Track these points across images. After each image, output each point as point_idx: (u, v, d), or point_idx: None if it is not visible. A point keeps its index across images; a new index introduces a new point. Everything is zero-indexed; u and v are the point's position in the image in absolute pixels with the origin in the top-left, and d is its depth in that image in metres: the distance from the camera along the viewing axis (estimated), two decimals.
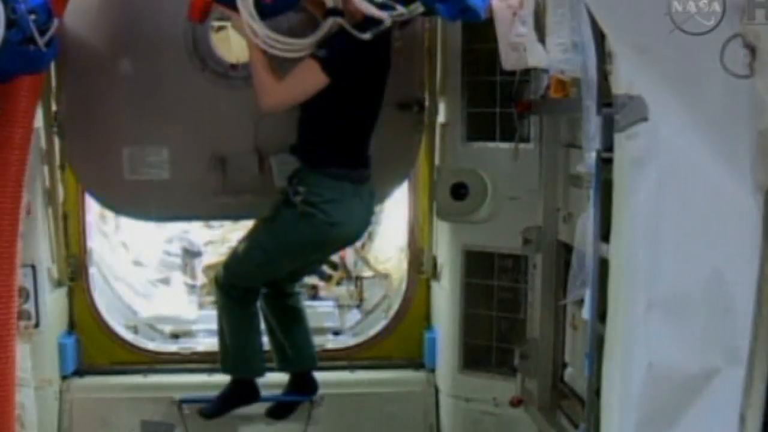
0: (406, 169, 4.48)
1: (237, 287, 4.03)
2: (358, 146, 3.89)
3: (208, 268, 5.59)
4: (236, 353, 4.15)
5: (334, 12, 3.66)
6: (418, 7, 3.47)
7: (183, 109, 4.21)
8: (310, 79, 3.68)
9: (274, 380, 4.40)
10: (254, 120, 4.10)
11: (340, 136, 3.86)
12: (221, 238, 5.83)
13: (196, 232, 5.96)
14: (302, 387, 4.34)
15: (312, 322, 4.89)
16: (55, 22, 3.14)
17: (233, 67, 4.22)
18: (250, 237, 4.05)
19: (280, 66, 3.70)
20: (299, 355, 4.28)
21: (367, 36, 3.56)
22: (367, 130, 3.91)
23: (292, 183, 3.90)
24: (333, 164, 3.82)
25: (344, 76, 3.72)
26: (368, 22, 3.57)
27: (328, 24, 3.68)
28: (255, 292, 4.12)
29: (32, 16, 2.97)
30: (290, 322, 4.27)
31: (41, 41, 3.02)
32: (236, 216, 4.56)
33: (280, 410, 4.38)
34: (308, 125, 3.89)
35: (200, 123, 4.22)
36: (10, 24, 2.82)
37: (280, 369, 4.30)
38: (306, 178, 3.84)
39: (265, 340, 4.28)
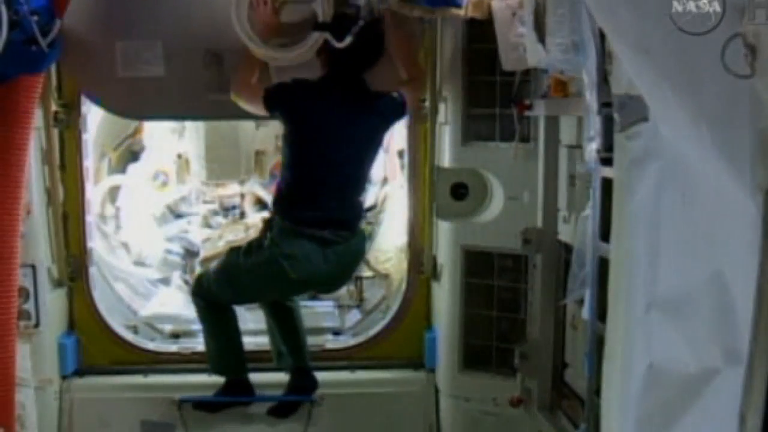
0: None
1: (204, 299, 4.16)
2: (324, 208, 3.88)
3: (204, 261, 5.61)
4: (214, 354, 4.30)
5: (321, 27, 3.70)
6: None
7: (178, 3, 4.07)
8: (255, 101, 3.87)
9: (276, 380, 4.42)
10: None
11: (305, 194, 3.89)
12: (218, 234, 5.87)
13: (196, 231, 5.97)
14: (301, 384, 4.40)
15: (312, 322, 4.93)
16: (57, 23, 3.14)
17: None
18: (225, 259, 4.15)
19: None
20: (289, 352, 4.40)
21: (344, 43, 3.64)
22: (336, 193, 3.91)
23: (267, 223, 4.04)
24: (295, 220, 3.86)
25: (283, 114, 3.87)
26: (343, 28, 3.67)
27: (314, 37, 3.71)
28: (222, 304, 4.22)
29: (35, 18, 2.97)
30: (283, 319, 4.40)
31: (44, 42, 3.02)
32: (230, 115, 4.39)
33: (281, 409, 4.42)
34: (281, 173, 4.00)
35: (196, 17, 4.07)
36: (12, 25, 2.83)
37: (276, 365, 4.41)
38: (274, 225, 3.94)
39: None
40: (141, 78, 4.10)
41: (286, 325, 4.39)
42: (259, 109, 3.92)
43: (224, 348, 4.29)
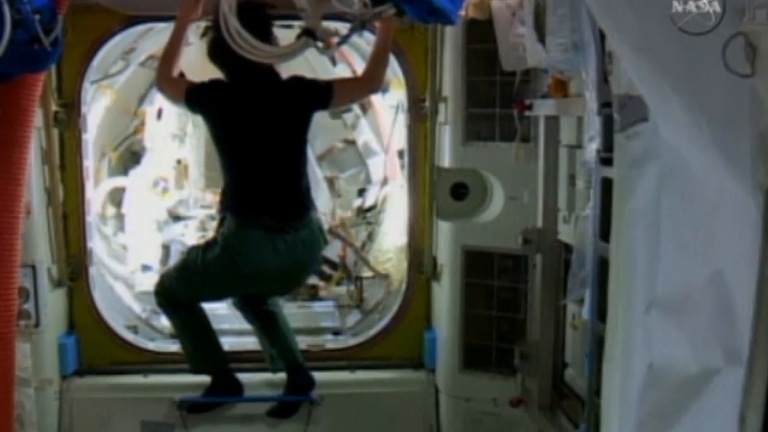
0: None
1: (168, 299, 4.18)
2: (263, 197, 3.96)
3: None
4: (192, 353, 4.32)
5: (306, 33, 3.69)
6: (390, 8, 3.46)
7: None
8: (177, 91, 3.98)
9: (275, 380, 4.42)
10: None
11: (243, 188, 4.00)
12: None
13: (192, 235, 5.98)
14: (298, 383, 4.41)
15: (312, 322, 4.94)
16: (60, 21, 3.13)
17: None
18: (185, 257, 4.22)
19: None
20: (280, 353, 4.41)
21: (330, 51, 3.70)
22: (271, 181, 3.97)
23: (220, 222, 4.11)
24: (240, 212, 3.97)
25: (203, 114, 4.03)
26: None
27: (301, 43, 3.69)
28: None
29: (37, 16, 2.97)
30: (267, 324, 4.42)
31: (46, 41, 3.02)
32: None
33: (281, 410, 4.43)
34: (222, 170, 4.10)
35: None
36: (15, 24, 2.82)
37: (271, 368, 4.43)
38: (225, 219, 4.03)
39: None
40: None
41: (271, 330, 4.41)
42: (182, 106, 4.09)
43: (200, 345, 4.30)
